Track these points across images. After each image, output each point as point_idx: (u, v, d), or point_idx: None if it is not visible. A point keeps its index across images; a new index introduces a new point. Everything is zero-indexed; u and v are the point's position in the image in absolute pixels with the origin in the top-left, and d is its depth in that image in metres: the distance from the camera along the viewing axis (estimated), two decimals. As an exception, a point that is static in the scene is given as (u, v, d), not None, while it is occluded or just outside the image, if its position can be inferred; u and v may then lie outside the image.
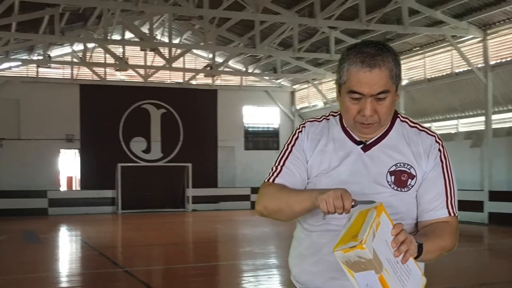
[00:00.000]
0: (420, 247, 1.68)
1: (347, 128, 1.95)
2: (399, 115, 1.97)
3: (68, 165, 24.23)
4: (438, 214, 1.87)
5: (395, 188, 1.87)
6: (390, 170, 1.87)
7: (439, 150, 1.90)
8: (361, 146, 1.92)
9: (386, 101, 1.82)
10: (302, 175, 1.95)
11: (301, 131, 2.00)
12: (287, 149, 1.99)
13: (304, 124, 2.03)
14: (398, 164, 1.88)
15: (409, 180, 1.87)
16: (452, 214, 1.88)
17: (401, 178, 1.87)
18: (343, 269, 1.64)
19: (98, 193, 21.92)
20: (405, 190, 1.87)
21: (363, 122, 1.84)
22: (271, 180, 1.97)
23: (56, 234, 15.90)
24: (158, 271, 9.70)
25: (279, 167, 1.97)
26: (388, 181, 1.87)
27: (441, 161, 1.89)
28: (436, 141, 1.91)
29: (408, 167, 1.87)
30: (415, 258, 1.67)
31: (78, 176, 23.31)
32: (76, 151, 22.87)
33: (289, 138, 2.03)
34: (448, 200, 1.87)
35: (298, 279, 1.98)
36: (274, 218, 1.96)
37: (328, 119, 2.01)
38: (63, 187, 24.33)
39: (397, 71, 1.82)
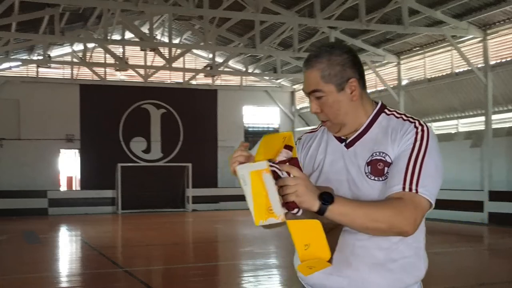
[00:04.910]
0: (326, 198, 1.67)
1: None
2: (385, 110, 1.98)
3: (68, 165, 24.23)
4: (392, 190, 1.79)
5: (373, 178, 1.86)
6: (367, 161, 1.89)
7: (416, 132, 1.86)
8: (343, 144, 1.96)
9: (325, 100, 1.88)
10: None
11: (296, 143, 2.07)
12: None
13: (300, 137, 2.13)
14: (374, 154, 1.88)
15: (385, 168, 1.85)
16: (407, 190, 1.76)
17: (377, 167, 1.86)
18: (336, 265, 1.81)
19: (98, 193, 21.92)
20: (383, 179, 1.86)
21: (320, 119, 1.96)
22: None
23: (56, 234, 15.90)
24: (158, 271, 9.70)
25: None
26: (366, 173, 1.88)
27: (415, 141, 1.84)
28: (415, 126, 1.88)
29: (383, 155, 1.87)
30: (325, 202, 1.66)
31: (78, 176, 23.31)
32: (76, 151, 22.88)
33: None
34: (407, 177, 1.78)
35: (300, 275, 2.02)
36: None
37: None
38: (63, 187, 24.33)
39: (331, 71, 1.85)
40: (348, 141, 1.95)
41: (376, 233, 1.77)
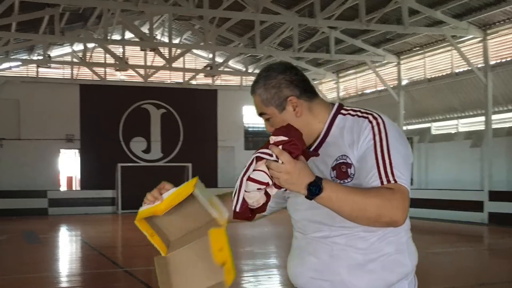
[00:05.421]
0: (314, 190, 1.69)
1: None
2: (342, 110, 1.98)
3: (68, 165, 24.23)
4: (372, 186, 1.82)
5: (338, 181, 1.88)
6: (332, 166, 1.91)
7: (372, 127, 1.87)
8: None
9: (272, 121, 1.97)
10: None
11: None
12: None
13: None
14: (338, 158, 1.90)
15: (348, 170, 1.88)
16: (386, 182, 1.78)
17: (341, 170, 1.89)
18: (318, 270, 1.93)
19: (98, 193, 21.92)
20: (348, 180, 1.87)
21: None
22: None
23: (56, 234, 15.90)
24: (158, 271, 9.68)
25: None
26: (332, 177, 1.90)
27: (373, 136, 1.85)
28: (370, 121, 1.88)
29: (344, 157, 1.89)
30: (312, 194, 1.69)
31: (78, 176, 23.32)
32: (76, 151, 22.88)
33: None
34: (381, 170, 1.79)
35: (289, 276, 2.10)
36: None
37: None
38: (63, 187, 24.33)
39: (267, 95, 1.94)
40: (311, 149, 1.98)
41: (365, 222, 1.77)
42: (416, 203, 17.83)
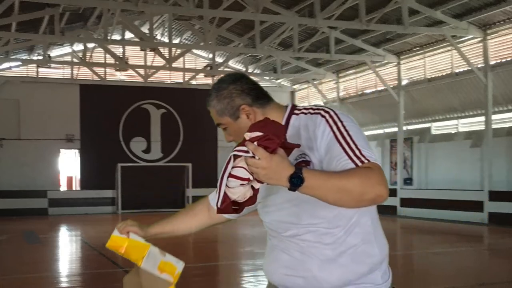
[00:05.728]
0: (296, 181, 1.69)
1: None
2: (295, 111, 2.02)
3: (68, 165, 24.23)
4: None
5: None
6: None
7: (326, 120, 1.90)
8: None
9: (229, 130, 2.07)
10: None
11: None
12: None
13: None
14: (297, 157, 1.93)
15: (308, 167, 1.89)
16: (360, 163, 1.80)
17: None
18: (291, 267, 1.97)
19: (98, 193, 21.93)
20: None
21: None
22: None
23: (56, 234, 15.90)
24: (158, 271, 9.67)
25: None
26: None
27: (330, 127, 1.88)
28: (322, 116, 1.92)
29: (303, 156, 1.92)
30: (294, 185, 1.70)
31: (78, 176, 23.32)
32: (76, 151, 22.88)
33: None
34: (351, 154, 1.82)
35: (264, 274, 2.16)
36: None
37: None
38: (63, 187, 24.33)
39: (221, 106, 2.03)
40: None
41: (351, 204, 1.78)
42: (416, 203, 18.01)
